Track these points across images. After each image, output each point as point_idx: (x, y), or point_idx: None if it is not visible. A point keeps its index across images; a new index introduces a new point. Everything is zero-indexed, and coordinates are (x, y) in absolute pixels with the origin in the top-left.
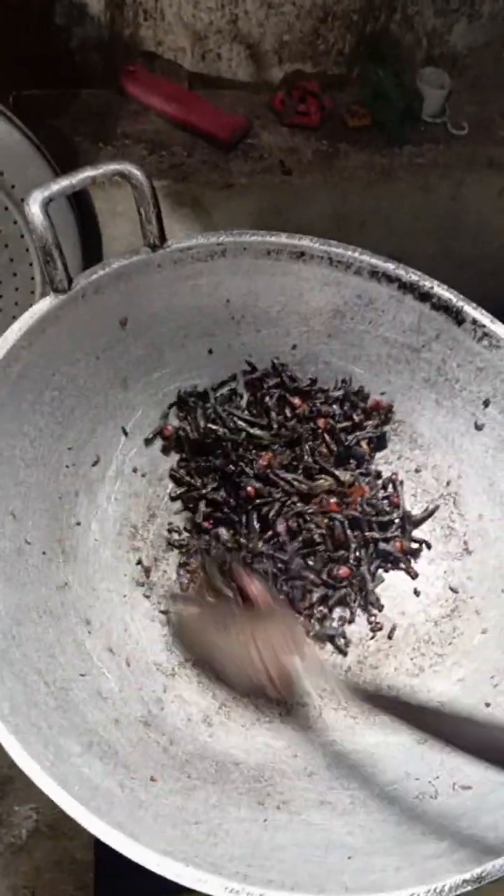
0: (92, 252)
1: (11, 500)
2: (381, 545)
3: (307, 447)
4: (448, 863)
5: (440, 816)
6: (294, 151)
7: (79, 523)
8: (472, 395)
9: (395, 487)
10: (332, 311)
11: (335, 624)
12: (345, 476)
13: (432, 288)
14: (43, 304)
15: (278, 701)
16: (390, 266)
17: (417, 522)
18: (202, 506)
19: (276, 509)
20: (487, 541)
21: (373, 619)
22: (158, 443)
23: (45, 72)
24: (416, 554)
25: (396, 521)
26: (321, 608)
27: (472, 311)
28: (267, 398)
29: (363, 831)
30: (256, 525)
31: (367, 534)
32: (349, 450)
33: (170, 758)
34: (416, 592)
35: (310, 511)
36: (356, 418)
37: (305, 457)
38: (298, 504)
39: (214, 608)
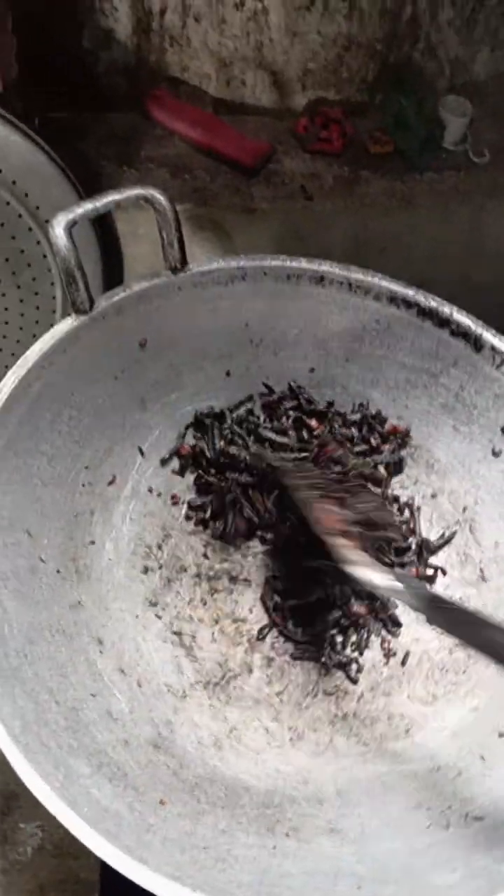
0: (113, 272)
1: (28, 518)
2: (397, 570)
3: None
4: (459, 894)
5: (452, 847)
6: (316, 177)
7: (93, 542)
8: (490, 421)
9: (411, 513)
10: (350, 335)
11: (348, 650)
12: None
13: (451, 314)
14: (64, 325)
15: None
16: (409, 292)
17: (434, 549)
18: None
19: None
20: (503, 568)
21: (387, 644)
22: (174, 463)
23: (71, 95)
24: (431, 580)
25: (413, 546)
26: (332, 632)
27: (491, 337)
28: (284, 419)
29: (373, 860)
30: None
31: (383, 559)
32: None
33: (179, 781)
34: None
35: None
36: (373, 442)
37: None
38: None
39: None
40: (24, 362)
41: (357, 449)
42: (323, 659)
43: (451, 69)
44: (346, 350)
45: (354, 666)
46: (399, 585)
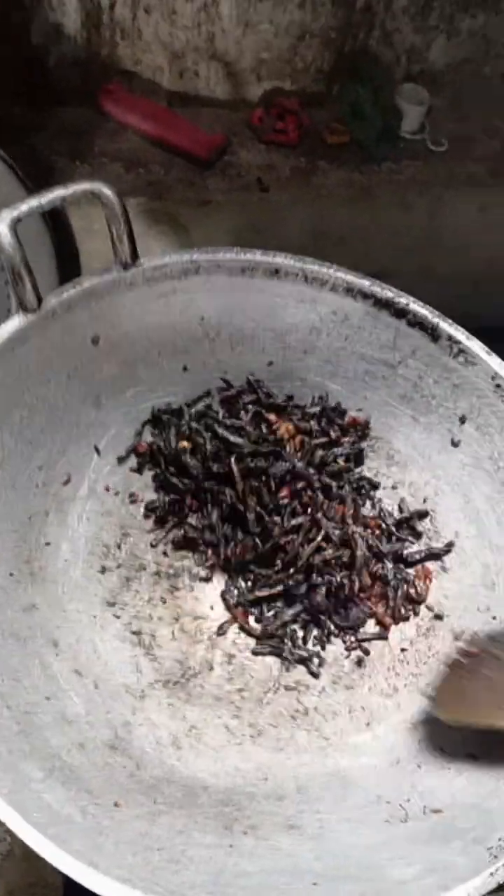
0: (69, 269)
1: None
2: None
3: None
4: (416, 889)
5: (410, 840)
6: (272, 169)
7: (48, 543)
8: (449, 411)
9: (372, 504)
10: (307, 327)
11: (310, 645)
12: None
13: (408, 304)
14: (11, 324)
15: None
16: (365, 283)
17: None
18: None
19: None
20: (464, 559)
21: (349, 638)
22: (132, 461)
23: (22, 91)
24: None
25: (415, 547)
26: (294, 627)
27: (447, 327)
28: (243, 413)
29: (331, 857)
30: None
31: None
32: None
33: (136, 782)
34: None
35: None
36: (333, 435)
37: None
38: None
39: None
40: None
41: (316, 441)
42: (284, 654)
43: (408, 57)
44: (304, 343)
45: (316, 660)
46: None
